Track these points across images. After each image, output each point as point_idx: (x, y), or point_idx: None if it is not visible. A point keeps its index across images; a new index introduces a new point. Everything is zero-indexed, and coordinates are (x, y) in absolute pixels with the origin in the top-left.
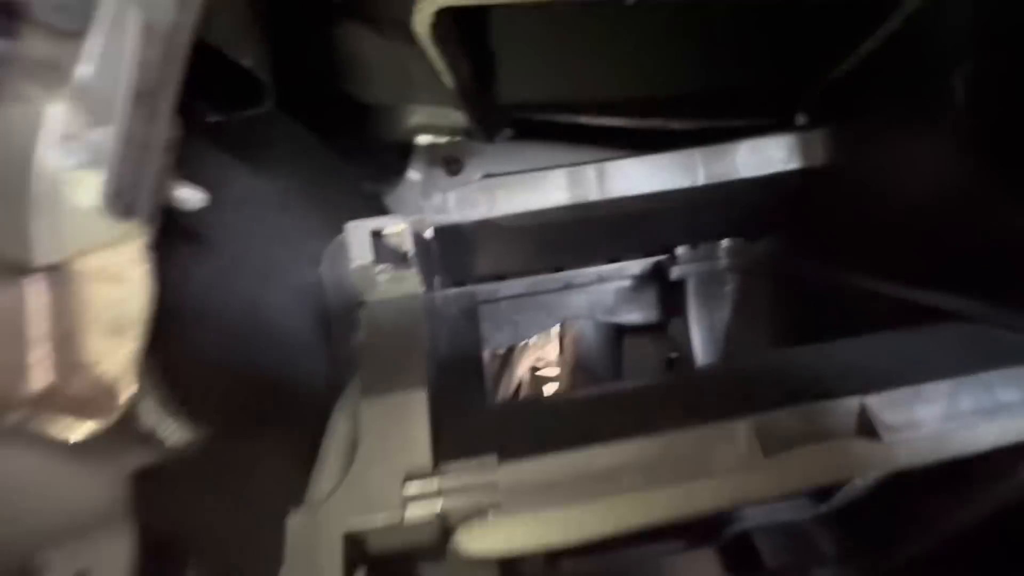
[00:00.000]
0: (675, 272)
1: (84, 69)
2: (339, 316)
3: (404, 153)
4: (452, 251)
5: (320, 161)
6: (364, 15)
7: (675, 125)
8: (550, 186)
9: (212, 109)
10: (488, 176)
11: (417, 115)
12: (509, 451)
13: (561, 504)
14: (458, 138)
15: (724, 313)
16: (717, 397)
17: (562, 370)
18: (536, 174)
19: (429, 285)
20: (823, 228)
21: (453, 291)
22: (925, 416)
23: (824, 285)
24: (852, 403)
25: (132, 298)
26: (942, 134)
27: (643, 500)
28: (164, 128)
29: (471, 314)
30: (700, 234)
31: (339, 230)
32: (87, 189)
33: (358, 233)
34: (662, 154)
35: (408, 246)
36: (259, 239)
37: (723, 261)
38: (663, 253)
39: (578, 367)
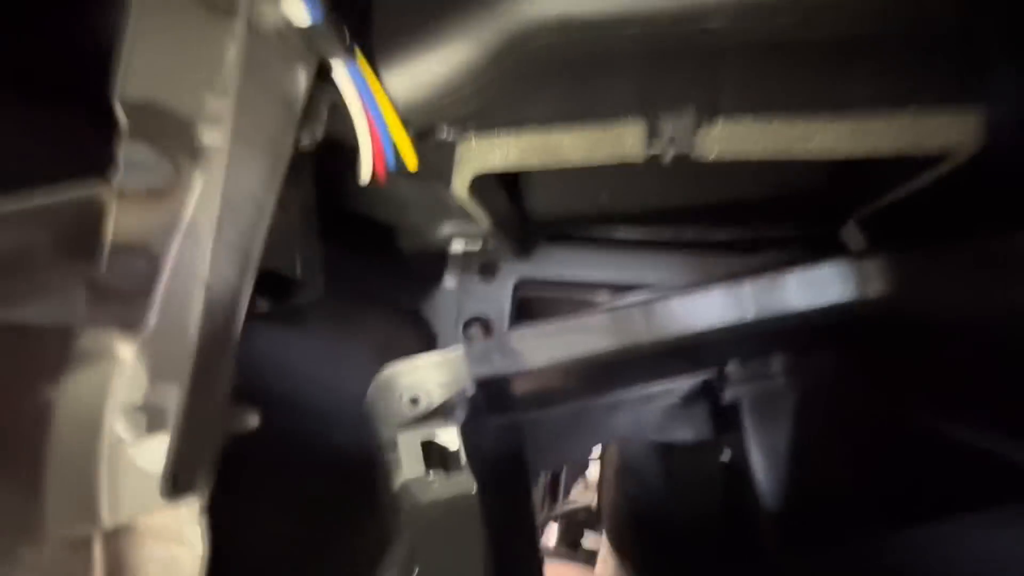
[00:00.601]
0: (728, 395)
1: (148, 325)
2: (383, 456)
3: (438, 261)
4: (494, 395)
5: (358, 287)
6: (401, 172)
7: (715, 236)
8: (594, 331)
9: (261, 300)
10: (523, 281)
11: (449, 226)
12: None
13: None
14: (491, 244)
15: (784, 433)
16: None
17: (604, 471)
18: (578, 321)
19: (474, 430)
20: (887, 359)
21: (495, 422)
22: None
23: (895, 416)
24: None
25: (187, 557)
26: (1020, 286)
27: None
28: (224, 389)
29: (515, 444)
30: (750, 352)
31: (381, 358)
32: (149, 453)
33: (409, 446)
34: (710, 288)
35: (459, 451)
36: (306, 400)
37: (779, 380)
38: (712, 370)
39: (624, 470)
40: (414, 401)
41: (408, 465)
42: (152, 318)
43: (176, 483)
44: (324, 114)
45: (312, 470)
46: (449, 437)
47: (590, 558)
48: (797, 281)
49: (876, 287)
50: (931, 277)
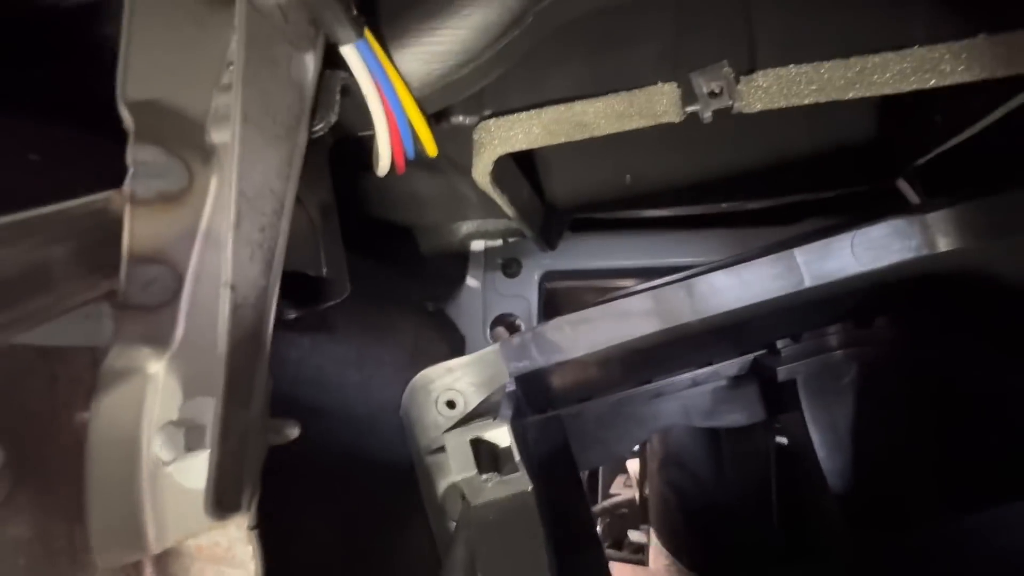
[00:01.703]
0: (782, 373)
1: (175, 339)
2: (422, 463)
3: (461, 261)
4: (532, 392)
5: (383, 292)
6: (418, 163)
7: (751, 206)
8: (635, 313)
9: (288, 306)
10: (549, 274)
11: (468, 225)
12: None
13: None
14: (513, 239)
15: (846, 408)
16: None
17: (647, 463)
18: (617, 304)
19: (520, 427)
20: (956, 322)
21: (535, 419)
22: None
23: (966, 385)
24: None
25: None
26: None
27: None
28: (262, 399)
29: (560, 440)
30: (804, 326)
31: (412, 363)
32: (190, 472)
33: (458, 446)
34: (754, 263)
35: (512, 448)
36: (341, 408)
37: (837, 353)
38: (762, 348)
39: (669, 461)
40: (450, 404)
41: (458, 466)
42: (179, 331)
43: (221, 502)
44: (336, 98)
45: (351, 479)
46: (499, 434)
47: (637, 551)
48: (854, 242)
49: (944, 241)
50: (1005, 227)
